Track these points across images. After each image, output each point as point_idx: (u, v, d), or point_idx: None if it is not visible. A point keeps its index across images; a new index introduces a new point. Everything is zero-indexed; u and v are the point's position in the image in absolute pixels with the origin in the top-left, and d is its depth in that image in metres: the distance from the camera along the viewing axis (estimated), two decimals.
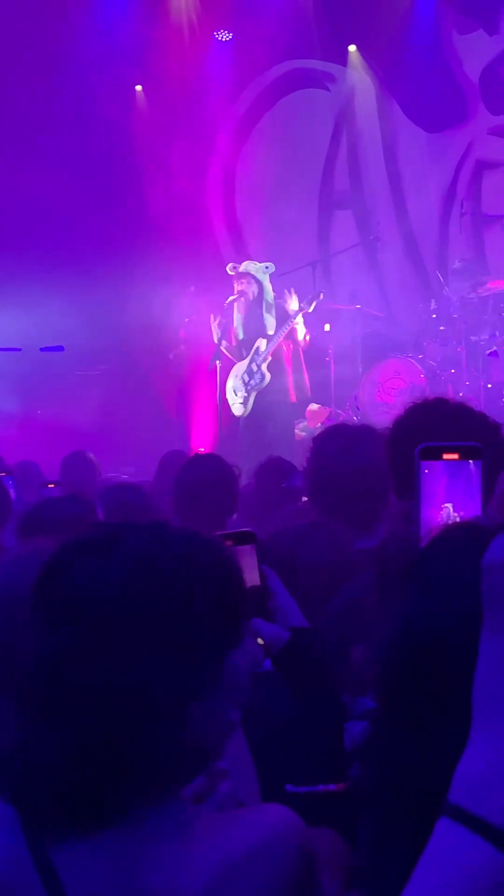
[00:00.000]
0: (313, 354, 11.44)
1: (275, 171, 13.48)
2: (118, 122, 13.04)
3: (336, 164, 13.79)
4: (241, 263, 11.29)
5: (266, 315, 11.04)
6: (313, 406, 11.46)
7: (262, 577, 1.88)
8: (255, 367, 11.00)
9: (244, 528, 1.88)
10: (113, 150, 12.96)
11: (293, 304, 10.97)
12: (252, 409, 11.03)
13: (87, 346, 12.23)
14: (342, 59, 13.47)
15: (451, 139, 13.51)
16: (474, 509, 1.81)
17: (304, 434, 11.23)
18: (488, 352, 11.19)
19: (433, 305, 11.65)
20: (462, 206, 12.49)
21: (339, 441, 3.67)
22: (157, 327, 12.41)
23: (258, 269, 11.13)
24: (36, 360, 12.45)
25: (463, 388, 10.98)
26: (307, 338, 11.09)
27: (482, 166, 13.47)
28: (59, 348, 12.47)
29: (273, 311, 11.04)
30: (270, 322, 11.03)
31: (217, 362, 10.93)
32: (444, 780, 1.04)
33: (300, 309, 10.95)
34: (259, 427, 10.89)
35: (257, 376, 11.00)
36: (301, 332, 11.01)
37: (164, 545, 1.41)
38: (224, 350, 11.05)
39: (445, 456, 1.83)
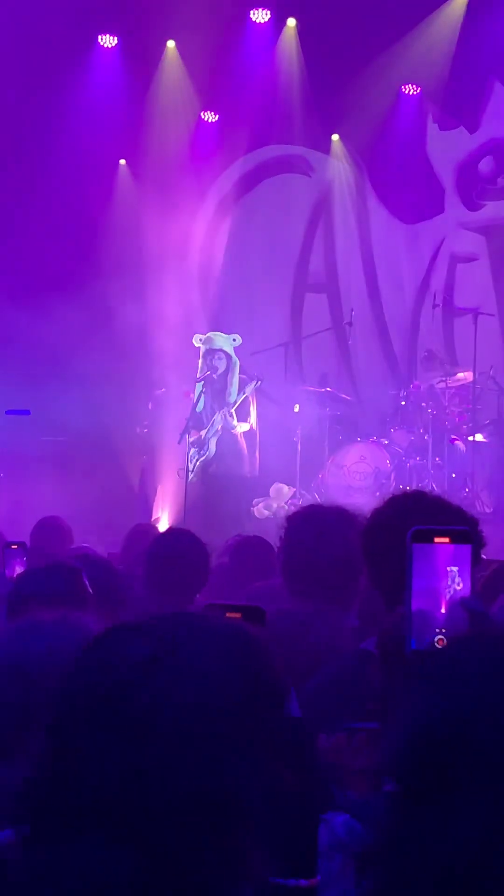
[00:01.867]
0: (280, 435, 11.49)
1: (252, 251, 13.63)
2: (100, 194, 13.15)
3: (313, 248, 13.97)
4: (205, 334, 11.36)
5: (231, 389, 11.11)
6: (279, 486, 11.47)
7: None
8: (203, 436, 11.06)
9: (253, 604, 1.86)
10: (93, 222, 13.05)
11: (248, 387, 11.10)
12: (206, 482, 11.03)
13: (53, 412, 12.20)
14: (325, 146, 13.71)
15: (427, 231, 13.74)
16: (465, 591, 1.82)
17: (267, 513, 11.23)
18: (451, 439, 11.29)
19: (402, 393, 11.76)
20: (435, 298, 12.67)
21: (314, 525, 3.68)
22: (126, 398, 12.42)
23: (225, 341, 11.21)
24: (1, 423, 12.39)
25: (427, 476, 11.05)
26: (253, 424, 11.16)
27: (456, 259, 13.70)
28: (26, 412, 12.41)
29: (237, 385, 11.11)
30: (232, 395, 11.11)
31: (187, 436, 10.93)
32: (466, 868, 1.03)
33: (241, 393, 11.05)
34: (211, 497, 10.89)
35: (204, 448, 11.06)
36: (253, 415, 11.10)
37: (219, 644, 1.36)
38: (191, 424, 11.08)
39: (437, 539, 1.83)
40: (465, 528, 1.88)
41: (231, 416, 11.05)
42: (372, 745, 2.58)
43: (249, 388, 11.12)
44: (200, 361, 11.27)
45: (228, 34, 12.82)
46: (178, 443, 11.01)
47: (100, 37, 13.13)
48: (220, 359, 11.14)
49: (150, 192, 13.27)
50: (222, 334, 11.33)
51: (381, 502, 3.11)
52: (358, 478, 11.29)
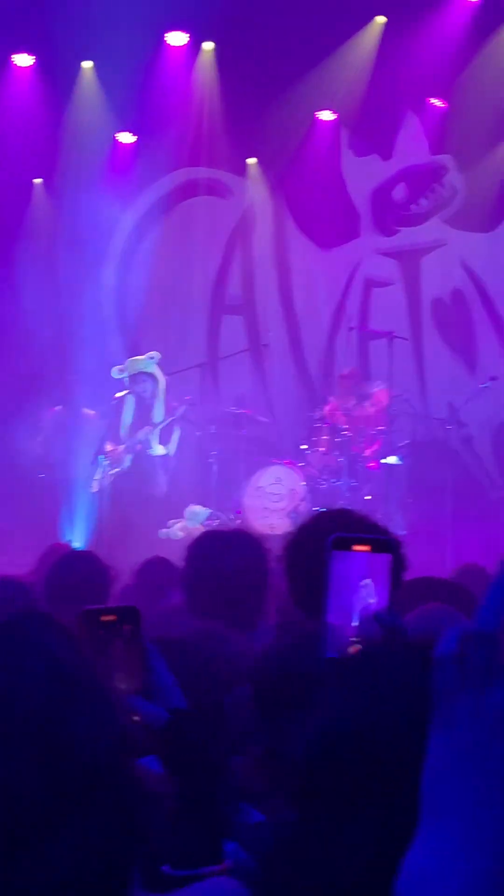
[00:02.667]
0: (196, 456, 11.48)
1: (168, 273, 13.61)
2: (13, 214, 13.06)
3: (230, 270, 14.01)
4: (123, 364, 11.35)
5: (157, 408, 11.14)
6: (194, 507, 11.45)
7: (144, 654, 1.84)
8: (121, 452, 11.07)
9: (128, 605, 1.85)
10: (6, 243, 12.95)
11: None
12: (115, 497, 11.00)
13: None
14: (241, 170, 13.79)
15: (343, 256, 13.87)
16: (383, 601, 1.81)
17: (182, 534, 11.19)
18: (366, 460, 11.38)
19: (317, 414, 11.82)
20: (350, 321, 12.78)
21: (215, 544, 3.69)
22: (42, 419, 12.31)
23: (146, 363, 11.20)
24: None
25: (342, 498, 11.10)
26: (171, 450, 11.21)
27: (371, 284, 13.85)
28: None
29: (163, 404, 11.14)
30: (159, 414, 11.13)
31: (102, 458, 10.86)
32: (365, 878, 1.02)
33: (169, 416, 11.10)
34: (126, 520, 10.86)
35: (119, 460, 11.07)
36: (174, 442, 11.14)
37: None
38: (108, 448, 11.04)
39: (356, 547, 1.83)
40: (384, 538, 1.87)
41: (153, 436, 11.04)
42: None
43: (178, 412, 11.14)
44: (127, 389, 11.29)
45: (146, 56, 12.84)
46: (92, 463, 10.95)
47: (15, 56, 13.06)
48: (145, 382, 11.17)
49: (65, 213, 13.22)
50: (140, 357, 11.31)
51: (304, 520, 3.14)
52: (273, 499, 11.31)
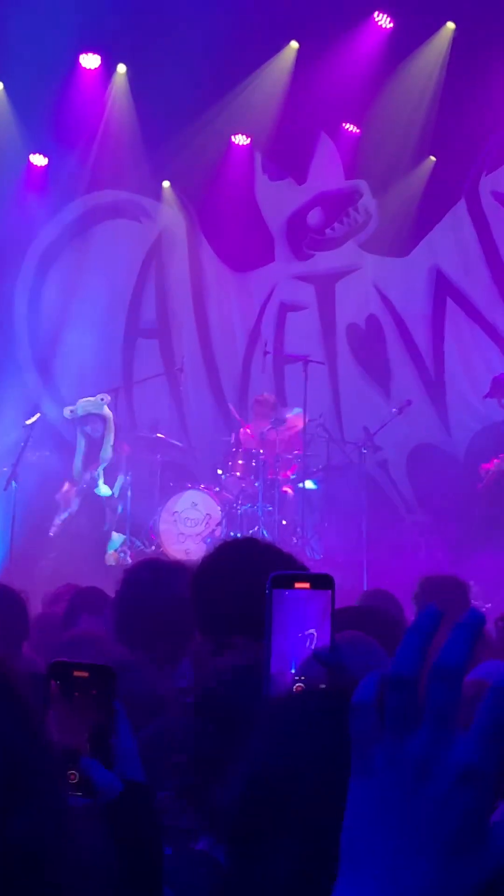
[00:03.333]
0: (113, 481, 11.40)
1: (81, 296, 13.49)
2: None
3: (143, 294, 13.95)
4: (76, 404, 11.39)
5: (105, 447, 11.22)
6: (113, 534, 11.35)
7: (112, 715, 1.77)
8: (70, 496, 11.21)
9: (104, 664, 1.79)
10: None
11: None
12: (65, 534, 11.07)
13: None
14: (156, 193, 13.75)
15: (257, 280, 13.90)
16: (324, 637, 1.81)
17: (113, 562, 11.09)
18: (281, 485, 11.37)
19: (232, 439, 11.79)
20: (266, 345, 12.80)
21: (147, 575, 3.69)
22: None
23: (95, 405, 11.29)
24: None
25: (258, 523, 11.08)
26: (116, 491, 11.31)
27: (285, 308, 13.89)
28: None
29: (111, 444, 11.22)
30: (107, 452, 11.19)
31: (13, 483, 10.73)
32: None
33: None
34: (71, 552, 10.85)
35: (69, 502, 11.19)
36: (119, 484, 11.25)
37: None
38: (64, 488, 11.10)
39: (297, 585, 1.81)
40: (325, 575, 1.88)
41: (99, 476, 11.09)
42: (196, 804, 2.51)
43: (117, 487, 11.25)
44: (78, 431, 11.32)
45: (59, 77, 12.76)
46: (4, 489, 10.81)
47: None
48: (95, 423, 11.28)
49: None
50: (90, 398, 11.38)
51: (211, 549, 3.15)
52: (189, 524, 11.25)
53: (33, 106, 12.70)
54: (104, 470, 11.20)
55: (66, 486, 11.43)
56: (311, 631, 1.82)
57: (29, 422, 11.09)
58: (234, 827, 1.18)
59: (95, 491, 11.16)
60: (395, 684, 0.98)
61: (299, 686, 1.78)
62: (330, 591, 1.85)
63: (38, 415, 11.25)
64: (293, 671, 1.81)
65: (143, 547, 11.30)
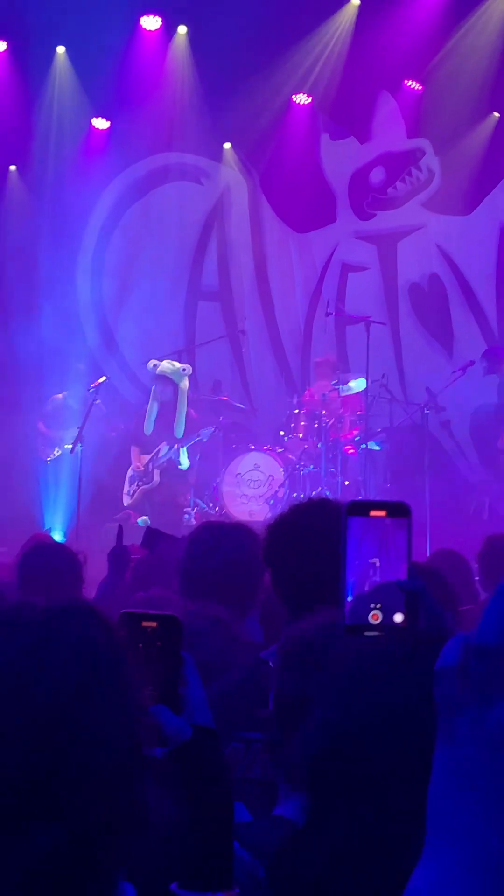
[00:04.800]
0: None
1: (144, 259, 13.56)
2: None
3: (205, 256, 13.96)
4: (160, 361, 11.38)
5: (178, 419, 11.20)
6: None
7: (179, 664, 1.82)
8: (150, 468, 11.17)
9: (171, 614, 1.84)
10: None
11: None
12: (141, 506, 11.20)
13: None
14: (217, 155, 13.72)
15: (319, 240, 13.84)
16: (401, 566, 1.80)
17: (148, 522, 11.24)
18: (344, 446, 11.36)
19: (295, 401, 11.80)
20: (327, 306, 12.75)
21: (213, 531, 3.73)
22: (16, 407, 12.29)
23: (175, 371, 11.25)
24: None
25: (321, 484, 11.10)
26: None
27: (347, 268, 13.82)
28: None
29: (183, 418, 11.24)
30: (180, 428, 11.19)
31: (79, 446, 10.84)
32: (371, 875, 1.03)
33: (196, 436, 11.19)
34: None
35: (148, 476, 11.18)
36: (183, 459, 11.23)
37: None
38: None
39: (373, 513, 1.80)
40: (402, 502, 1.81)
41: (181, 453, 11.13)
42: (266, 756, 2.56)
43: (206, 434, 11.21)
44: (152, 386, 11.35)
45: (119, 41, 12.75)
46: (70, 453, 10.95)
47: None
48: (165, 388, 11.25)
49: (40, 199, 13.15)
50: (175, 363, 11.37)
51: (284, 509, 3.15)
52: (252, 486, 11.31)
53: (95, 70, 12.72)
54: (181, 442, 11.23)
55: (136, 451, 11.45)
56: (386, 556, 1.79)
57: (94, 385, 11.19)
58: (311, 776, 1.18)
59: (179, 467, 11.22)
60: (480, 653, 0.98)
61: (375, 615, 1.76)
62: (407, 520, 1.81)
63: (102, 378, 11.34)
64: (369, 600, 1.77)
65: (206, 509, 11.39)
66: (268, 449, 11.52)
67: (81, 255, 13.63)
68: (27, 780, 1.23)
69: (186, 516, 11.07)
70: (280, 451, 11.46)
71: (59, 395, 12.23)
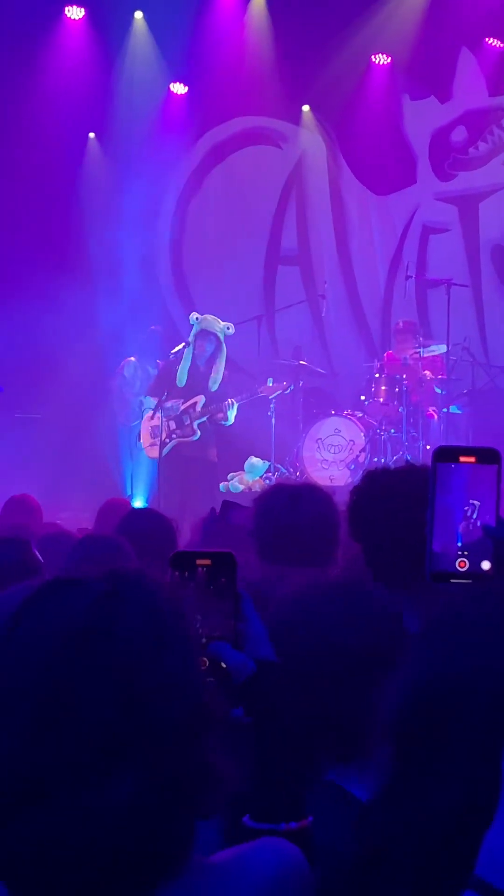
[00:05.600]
0: (255, 409, 11.47)
1: (223, 224, 13.57)
2: (70, 167, 13.04)
3: (284, 220, 13.91)
4: (203, 315, 11.32)
5: (214, 375, 11.11)
6: (254, 459, 11.46)
7: (237, 601, 1.84)
8: (186, 420, 11.05)
9: (225, 551, 1.85)
10: (63, 195, 12.95)
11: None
12: (174, 460, 11.04)
13: (27, 387, 12.14)
14: (296, 118, 13.63)
15: (399, 202, 13.71)
16: (490, 513, 1.77)
17: (241, 487, 11.22)
18: (426, 410, 11.28)
19: (376, 364, 11.74)
20: (407, 269, 12.64)
21: (282, 498, 3.69)
22: (98, 372, 12.39)
23: (220, 328, 11.20)
24: None
25: (402, 448, 11.05)
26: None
27: (428, 231, 13.68)
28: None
29: (221, 374, 11.12)
30: (216, 382, 11.12)
31: (160, 412, 10.90)
32: (443, 828, 1.03)
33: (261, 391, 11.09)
34: (186, 480, 10.92)
35: (188, 429, 11.06)
36: (232, 415, 11.09)
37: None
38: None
39: (462, 459, 1.79)
40: (492, 448, 1.80)
41: (231, 406, 11.03)
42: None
43: (275, 392, 11.15)
44: (192, 338, 11.24)
45: (196, 4, 12.70)
46: (154, 412, 11.01)
47: (66, 8, 12.98)
48: (210, 342, 11.15)
49: (119, 166, 13.19)
50: (219, 320, 11.32)
51: (369, 476, 3.07)
52: (332, 451, 11.29)
53: (173, 34, 12.70)
54: (239, 398, 11.14)
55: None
56: (475, 502, 1.78)
57: (174, 351, 11.23)
58: (394, 740, 1.17)
59: (224, 423, 11.12)
60: None
61: (462, 562, 1.75)
62: (497, 466, 1.78)
63: (182, 344, 11.37)
64: (457, 547, 1.78)
65: (287, 474, 11.40)
66: (348, 414, 11.49)
67: (161, 220, 13.66)
68: (106, 733, 1.28)
69: (267, 481, 11.02)
70: (360, 415, 11.42)
71: (132, 359, 12.24)
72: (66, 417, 12.00)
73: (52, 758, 1.27)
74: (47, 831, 1.26)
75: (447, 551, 1.76)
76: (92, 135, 13.46)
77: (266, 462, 11.46)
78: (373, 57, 13.30)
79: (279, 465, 11.49)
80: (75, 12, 13.02)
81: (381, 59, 13.36)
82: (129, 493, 11.82)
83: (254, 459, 11.48)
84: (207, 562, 1.79)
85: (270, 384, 11.24)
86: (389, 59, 13.32)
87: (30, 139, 12.50)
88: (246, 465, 11.48)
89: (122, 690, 1.30)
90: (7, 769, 1.29)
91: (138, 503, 11.04)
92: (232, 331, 11.28)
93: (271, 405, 11.36)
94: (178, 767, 1.31)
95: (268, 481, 11.13)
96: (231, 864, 1.42)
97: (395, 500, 2.82)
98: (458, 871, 1.04)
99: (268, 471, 11.36)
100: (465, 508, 1.78)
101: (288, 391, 11.36)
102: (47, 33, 12.88)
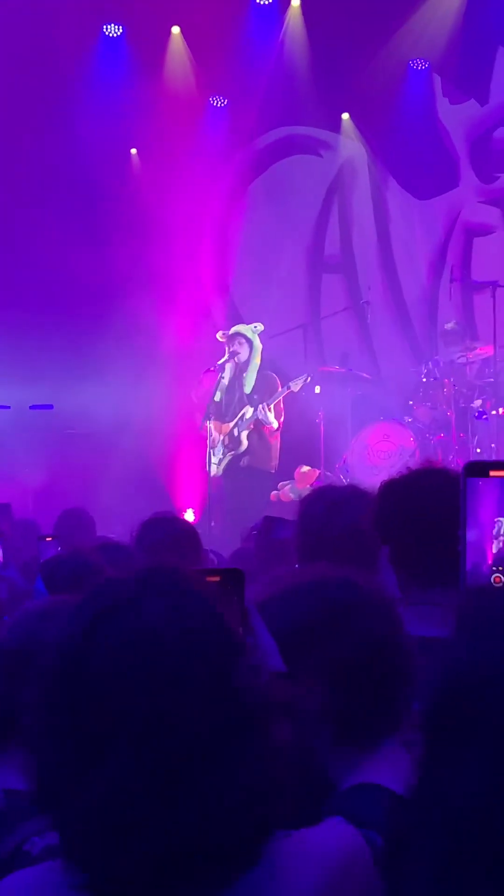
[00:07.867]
0: (304, 417, 11.48)
1: (266, 234, 13.59)
2: (112, 184, 13.13)
3: (327, 228, 13.92)
4: (229, 330, 11.37)
5: (248, 378, 11.16)
6: (304, 468, 11.47)
7: (245, 615, 1.86)
8: (236, 433, 11.12)
9: (233, 567, 1.89)
10: (107, 212, 13.03)
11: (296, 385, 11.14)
12: (230, 473, 11.10)
13: (76, 405, 12.23)
14: (335, 126, 13.65)
15: (442, 206, 13.66)
16: None
17: (292, 496, 11.23)
18: (476, 413, 11.23)
19: (423, 369, 11.70)
20: (451, 273, 12.59)
21: (324, 503, 3.65)
22: (148, 388, 12.45)
23: (248, 329, 11.22)
24: (25, 419, 12.43)
25: (452, 452, 11.01)
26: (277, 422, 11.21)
27: (471, 233, 13.62)
28: (49, 406, 12.47)
29: (255, 374, 11.15)
30: (250, 383, 11.15)
31: (208, 422, 10.96)
32: (471, 819, 1.05)
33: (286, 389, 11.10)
34: (238, 491, 10.96)
35: (235, 441, 11.13)
36: (272, 417, 11.11)
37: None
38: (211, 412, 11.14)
39: (493, 473, 1.78)
40: None
41: (269, 410, 11.07)
42: None
43: (297, 385, 11.16)
44: (227, 348, 11.29)
45: (232, 17, 12.77)
46: (200, 429, 11.06)
47: (105, 26, 13.11)
48: (240, 343, 11.16)
49: (162, 181, 13.26)
50: (244, 325, 11.35)
51: (401, 477, 3.04)
52: (382, 456, 11.26)
53: (209, 48, 12.76)
54: (268, 400, 11.15)
55: (215, 423, 11.32)
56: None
57: (220, 362, 11.28)
58: (425, 731, 1.18)
59: (267, 426, 11.14)
60: None
61: (497, 577, 1.74)
62: None
63: (224, 357, 11.41)
64: (490, 563, 1.76)
65: (335, 481, 11.38)
66: (397, 419, 11.46)
67: (204, 233, 13.72)
68: (208, 730, 1.37)
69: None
70: (409, 420, 11.39)
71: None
72: (115, 432, 12.09)
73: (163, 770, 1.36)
74: (175, 830, 1.34)
75: (480, 567, 1.74)
76: (134, 151, 13.56)
77: (315, 470, 11.46)
78: (410, 62, 13.29)
79: (328, 473, 11.49)
80: (113, 30, 13.14)
81: (419, 64, 13.34)
82: (179, 505, 11.86)
83: (303, 468, 11.49)
84: (216, 578, 1.83)
85: (318, 391, 11.28)
86: (427, 63, 13.30)
87: (73, 157, 12.61)
88: (296, 474, 11.49)
89: (214, 689, 1.38)
90: (125, 784, 1.36)
91: (191, 516, 11.09)
92: (260, 328, 11.34)
93: (318, 413, 11.37)
94: (271, 752, 1.39)
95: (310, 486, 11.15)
96: (297, 848, 1.47)
97: (421, 499, 2.80)
98: (487, 860, 1.05)
99: (317, 479, 11.36)
100: (497, 522, 1.76)
101: (308, 381, 11.36)
102: (86, 52, 13.01)
